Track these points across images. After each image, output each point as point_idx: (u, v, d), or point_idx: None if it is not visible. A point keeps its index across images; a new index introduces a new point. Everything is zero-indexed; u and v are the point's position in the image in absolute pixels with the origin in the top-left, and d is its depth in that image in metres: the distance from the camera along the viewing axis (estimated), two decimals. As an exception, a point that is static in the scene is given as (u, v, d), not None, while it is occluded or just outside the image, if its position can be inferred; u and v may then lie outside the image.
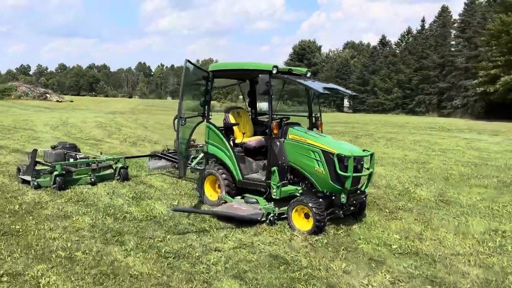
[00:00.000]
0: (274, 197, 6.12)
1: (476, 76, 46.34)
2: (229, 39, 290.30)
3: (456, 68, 52.46)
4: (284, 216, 6.02)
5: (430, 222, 6.33)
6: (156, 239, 5.29)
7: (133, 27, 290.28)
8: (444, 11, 60.17)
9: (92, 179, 7.97)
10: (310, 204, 5.60)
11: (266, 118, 7.85)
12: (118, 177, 8.37)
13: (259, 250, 5.03)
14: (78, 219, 5.97)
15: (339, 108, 78.71)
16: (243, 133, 6.95)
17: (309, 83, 6.31)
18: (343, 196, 5.78)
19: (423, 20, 66.09)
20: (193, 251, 4.93)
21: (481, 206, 7.27)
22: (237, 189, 6.68)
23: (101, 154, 9.52)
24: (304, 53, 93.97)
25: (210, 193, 7.03)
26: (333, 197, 5.92)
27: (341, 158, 5.69)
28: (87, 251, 4.80)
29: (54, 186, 7.42)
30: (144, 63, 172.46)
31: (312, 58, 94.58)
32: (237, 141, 6.91)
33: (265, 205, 6.16)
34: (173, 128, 7.39)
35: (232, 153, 6.63)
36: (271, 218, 5.90)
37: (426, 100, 55.52)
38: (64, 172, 7.58)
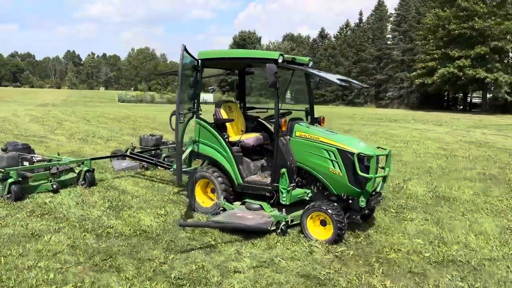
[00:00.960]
0: (283, 202, 5.43)
1: (412, 69, 48.68)
2: (167, 28, 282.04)
3: (392, 60, 54.67)
4: (294, 223, 5.37)
5: (441, 222, 5.99)
6: (157, 261, 4.40)
7: (59, 13, 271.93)
8: (381, 5, 62.42)
9: (54, 186, 6.77)
10: (329, 211, 4.98)
11: (256, 112, 7.15)
12: (83, 182, 7.22)
13: (283, 268, 4.33)
14: (51, 238, 4.88)
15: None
16: (242, 131, 6.17)
17: (324, 74, 5.68)
18: (363, 199, 5.23)
19: (360, 14, 68.19)
20: (208, 275, 4.12)
21: (479, 201, 7.11)
22: (235, 193, 5.92)
23: (58, 155, 8.22)
24: (245, 43, 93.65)
25: (202, 199, 6.18)
26: (350, 201, 5.35)
27: (361, 158, 5.12)
28: (79, 284, 3.81)
29: (9, 196, 6.17)
30: (73, 51, 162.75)
31: (253, 49, 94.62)
32: (231, 139, 6.12)
33: (271, 211, 5.48)
34: (169, 126, 6.38)
35: (230, 153, 5.83)
36: (282, 227, 5.22)
37: (365, 92, 57.36)
38: (20, 179, 6.34)
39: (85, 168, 7.22)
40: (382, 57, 57.44)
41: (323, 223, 5.15)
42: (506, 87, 35.11)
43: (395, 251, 4.87)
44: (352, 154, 5.11)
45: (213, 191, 6.16)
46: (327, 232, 5.08)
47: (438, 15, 38.19)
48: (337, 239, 4.98)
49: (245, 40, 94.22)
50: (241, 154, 5.93)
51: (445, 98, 53.82)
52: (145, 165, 8.85)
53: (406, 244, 5.09)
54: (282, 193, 5.42)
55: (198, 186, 6.16)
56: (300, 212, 5.37)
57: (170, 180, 7.95)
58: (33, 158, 6.93)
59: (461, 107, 50.87)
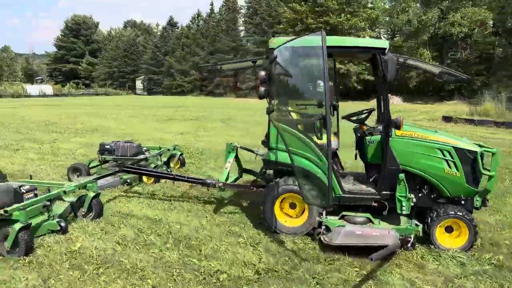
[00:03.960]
0: (402, 212, 4.80)
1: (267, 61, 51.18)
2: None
3: (248, 52, 56.47)
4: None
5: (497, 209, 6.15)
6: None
7: None
8: (230, -3, 63.67)
9: (61, 224, 4.75)
10: (466, 217, 4.61)
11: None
12: (84, 212, 5.27)
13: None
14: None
15: (132, 89, 74.99)
16: (335, 133, 5.25)
17: (431, 65, 5.16)
18: (478, 199, 4.96)
19: (211, 4, 68.50)
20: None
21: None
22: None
23: (31, 178, 5.83)
24: (80, 28, 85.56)
25: (285, 218, 5.09)
26: (463, 202, 5.02)
27: (482, 157, 4.83)
28: None
29: (16, 252, 4.10)
30: None
31: (92, 35, 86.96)
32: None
33: (379, 223, 4.83)
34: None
35: (326, 161, 4.88)
36: (413, 241, 4.62)
37: (224, 82, 58.06)
38: (28, 222, 4.24)
39: (91, 194, 5.26)
40: (238, 48, 58.85)
41: (449, 230, 4.75)
42: (355, 76, 39.68)
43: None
44: (472, 152, 4.79)
45: (292, 206, 5.14)
46: (458, 239, 4.70)
47: (295, 9, 40.75)
48: (470, 246, 4.65)
49: (79, 24, 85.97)
50: (336, 160, 5.06)
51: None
52: (128, 180, 7.02)
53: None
54: (401, 201, 4.79)
55: (278, 203, 5.05)
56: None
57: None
58: (21, 188, 4.69)
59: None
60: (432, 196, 5.03)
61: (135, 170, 6.36)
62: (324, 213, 4.89)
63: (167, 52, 69.09)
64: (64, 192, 4.94)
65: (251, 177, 6.43)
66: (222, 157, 9.59)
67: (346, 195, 4.94)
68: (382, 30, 42.51)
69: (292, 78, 5.26)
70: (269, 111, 4.97)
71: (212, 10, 67.25)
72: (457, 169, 4.82)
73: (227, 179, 5.97)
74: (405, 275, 4.03)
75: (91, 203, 5.27)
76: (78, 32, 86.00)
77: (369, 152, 5.11)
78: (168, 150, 7.96)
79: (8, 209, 4.15)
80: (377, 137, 5.07)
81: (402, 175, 4.76)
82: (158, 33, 78.66)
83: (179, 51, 65.97)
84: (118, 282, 3.75)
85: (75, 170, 7.24)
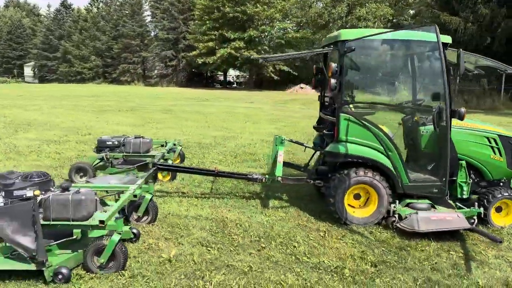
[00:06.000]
0: (463, 196, 5.19)
1: (178, 48, 50.08)
2: None
3: (157, 38, 54.33)
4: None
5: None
6: None
7: None
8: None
9: (134, 231, 4.23)
10: (520, 197, 5.18)
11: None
12: (139, 216, 4.76)
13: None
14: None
15: (20, 77, 67.52)
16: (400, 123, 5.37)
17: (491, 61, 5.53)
18: (514, 179, 5.59)
19: (112, -14, 64.17)
20: None
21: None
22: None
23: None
24: None
25: (353, 209, 5.16)
26: (501, 184, 5.58)
27: (515, 142, 5.44)
28: None
29: (112, 267, 3.60)
30: None
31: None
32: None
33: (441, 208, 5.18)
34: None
35: (395, 151, 5.05)
36: (476, 222, 5.05)
37: (131, 69, 55.20)
38: (123, 231, 3.71)
39: (149, 196, 4.74)
40: (144, 34, 56.27)
41: (498, 210, 5.28)
42: (271, 67, 40.65)
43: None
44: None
45: (356, 197, 5.23)
46: (507, 218, 5.26)
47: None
48: (521, 222, 5.24)
49: None
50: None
51: (205, 77, 57.70)
52: (145, 178, 6.43)
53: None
54: (462, 186, 5.18)
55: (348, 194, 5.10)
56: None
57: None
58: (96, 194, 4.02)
59: (219, 85, 55.71)
60: (476, 180, 5.53)
61: (172, 168, 5.85)
62: (397, 202, 5.07)
63: (61, 36, 63.33)
64: (135, 195, 4.38)
65: (291, 170, 6.37)
66: (215, 149, 9.29)
67: (411, 184, 5.18)
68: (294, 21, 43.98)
69: (375, 70, 5.31)
70: (340, 103, 4.97)
71: (113, -8, 63.13)
72: (501, 155, 5.35)
73: (272, 173, 5.83)
74: (495, 254, 4.39)
75: (148, 206, 4.76)
76: None
77: (423, 141, 5.40)
78: (174, 145, 7.44)
79: (103, 219, 3.56)
80: (431, 127, 5.37)
81: (463, 162, 5.15)
82: (51, 15, 71.46)
83: (77, 35, 60.88)
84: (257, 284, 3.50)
85: (79, 170, 6.42)
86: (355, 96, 5.35)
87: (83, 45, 59.68)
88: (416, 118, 5.57)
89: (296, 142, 6.35)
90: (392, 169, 5.06)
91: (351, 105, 5.21)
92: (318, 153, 6.32)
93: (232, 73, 61.96)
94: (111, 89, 41.20)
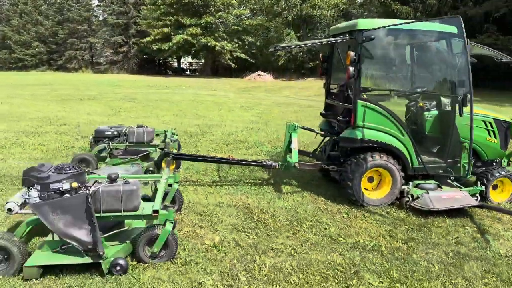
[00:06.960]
0: (465, 176, 5.59)
1: (128, 33, 48.43)
2: None
3: (106, 23, 52.07)
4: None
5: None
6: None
7: None
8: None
9: (172, 220, 4.21)
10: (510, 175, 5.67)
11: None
12: (165, 206, 4.73)
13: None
14: None
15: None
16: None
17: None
18: (505, 160, 6.09)
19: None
20: None
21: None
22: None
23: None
24: None
25: (368, 192, 5.42)
26: (494, 163, 6.07)
27: (510, 125, 5.93)
28: None
29: (163, 256, 3.62)
30: None
31: None
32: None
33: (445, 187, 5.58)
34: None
35: (407, 135, 5.35)
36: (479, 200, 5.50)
37: (78, 56, 52.61)
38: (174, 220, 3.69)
39: (176, 185, 4.71)
40: (92, 18, 53.73)
41: (494, 187, 5.76)
42: (229, 54, 40.31)
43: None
44: (505, 122, 5.87)
45: (370, 180, 5.50)
46: (502, 194, 5.75)
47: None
48: (512, 198, 5.75)
49: None
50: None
51: (157, 63, 56.28)
52: (151, 169, 6.34)
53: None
54: (463, 167, 5.57)
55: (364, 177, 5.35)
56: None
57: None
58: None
59: (173, 72, 54.59)
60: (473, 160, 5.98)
61: (186, 157, 5.81)
62: (411, 183, 5.39)
63: (0, 20, 58.97)
64: (170, 185, 4.36)
65: (300, 157, 6.53)
66: (203, 138, 9.25)
67: (421, 166, 5.51)
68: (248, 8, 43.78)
69: (394, 59, 5.52)
70: (357, 91, 5.17)
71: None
72: (495, 137, 5.83)
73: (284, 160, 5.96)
74: (504, 227, 4.82)
75: (175, 195, 4.74)
76: None
77: (427, 125, 5.75)
78: (173, 134, 7.33)
79: (157, 208, 3.54)
80: (435, 112, 5.73)
81: (466, 144, 5.54)
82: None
83: (16, 19, 56.93)
84: (308, 270, 3.64)
85: (82, 161, 6.20)
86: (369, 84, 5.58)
87: (24, 30, 55.93)
88: (422, 104, 5.91)
89: (308, 129, 6.50)
90: (404, 152, 5.37)
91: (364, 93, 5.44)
92: (326, 138, 6.52)
93: (186, 60, 60.87)
94: (61, 76, 39.16)
